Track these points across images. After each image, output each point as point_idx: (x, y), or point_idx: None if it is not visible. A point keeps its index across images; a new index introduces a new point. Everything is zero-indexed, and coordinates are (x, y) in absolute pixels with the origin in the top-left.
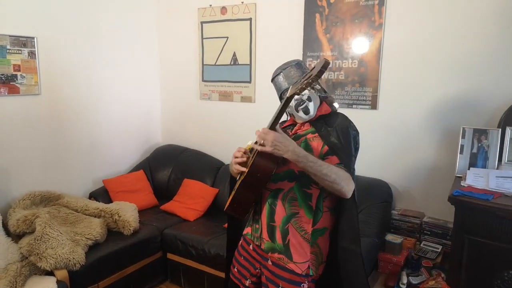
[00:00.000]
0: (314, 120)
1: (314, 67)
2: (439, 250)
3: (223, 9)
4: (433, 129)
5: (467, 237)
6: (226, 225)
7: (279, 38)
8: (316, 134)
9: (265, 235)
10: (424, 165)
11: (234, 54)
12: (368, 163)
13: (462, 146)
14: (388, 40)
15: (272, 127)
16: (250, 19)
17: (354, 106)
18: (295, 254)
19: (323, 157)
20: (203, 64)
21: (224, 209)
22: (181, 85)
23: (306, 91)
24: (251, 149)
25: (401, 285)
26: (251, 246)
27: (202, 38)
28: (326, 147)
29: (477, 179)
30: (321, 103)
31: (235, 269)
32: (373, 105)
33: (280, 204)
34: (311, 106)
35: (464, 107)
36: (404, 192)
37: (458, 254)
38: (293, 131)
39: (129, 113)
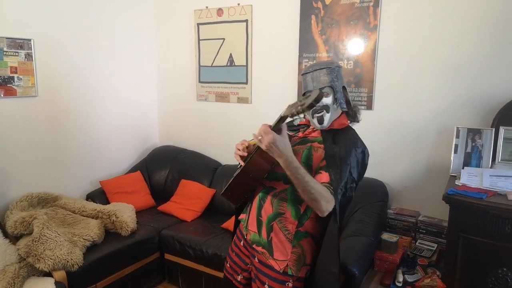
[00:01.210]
0: (325, 130)
1: (310, 95)
2: (434, 249)
3: (219, 11)
4: (428, 129)
5: (462, 235)
6: (223, 225)
7: (275, 39)
8: (322, 146)
9: (251, 226)
10: (419, 164)
11: (231, 56)
12: None
13: (456, 146)
14: (383, 42)
15: (276, 127)
16: (246, 21)
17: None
18: (276, 251)
19: (318, 169)
20: (199, 66)
21: (221, 193)
22: (178, 86)
23: (326, 100)
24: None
25: (397, 283)
26: (242, 243)
27: (199, 40)
28: (324, 162)
29: (471, 178)
30: (341, 114)
31: (228, 265)
32: (369, 106)
33: (269, 201)
34: (327, 118)
35: (458, 107)
36: (400, 192)
37: (453, 252)
38: (304, 133)
39: (126, 114)
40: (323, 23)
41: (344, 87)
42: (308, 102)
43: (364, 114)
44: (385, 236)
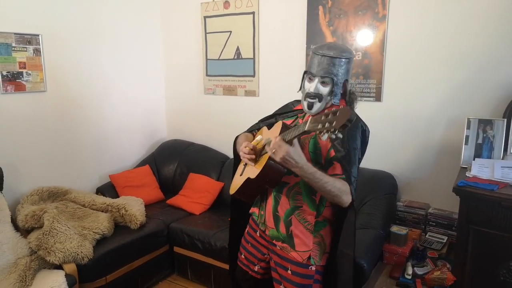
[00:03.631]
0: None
1: (337, 113)
2: (444, 241)
3: (226, 3)
4: (437, 120)
5: (472, 227)
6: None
7: (282, 31)
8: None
9: (269, 223)
10: (429, 156)
11: (238, 48)
12: (373, 155)
13: (467, 137)
14: (392, 32)
15: (289, 141)
16: (253, 13)
17: (358, 98)
18: (297, 243)
19: (328, 159)
20: (206, 59)
21: (231, 194)
22: (186, 80)
23: (323, 89)
24: (262, 147)
25: (406, 276)
26: (257, 233)
27: (206, 33)
28: (332, 151)
29: (482, 170)
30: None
31: (242, 256)
32: (378, 97)
33: (285, 197)
34: (316, 106)
35: (469, 98)
36: (409, 184)
37: (463, 245)
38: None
39: (134, 108)
40: (330, 13)
41: (346, 80)
42: (340, 122)
43: (373, 106)
44: (394, 228)
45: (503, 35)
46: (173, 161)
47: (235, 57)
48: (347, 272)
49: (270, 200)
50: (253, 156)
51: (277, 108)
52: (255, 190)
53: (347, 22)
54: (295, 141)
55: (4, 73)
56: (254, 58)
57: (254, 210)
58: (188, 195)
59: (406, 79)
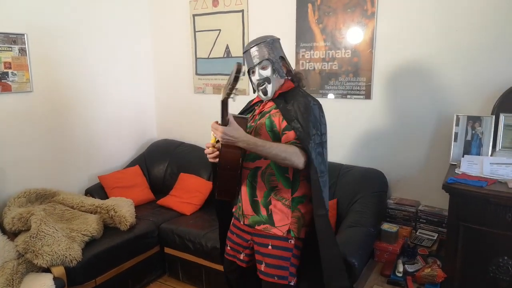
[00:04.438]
0: (275, 98)
1: (231, 72)
2: (435, 238)
3: (215, 1)
4: (427, 118)
5: (462, 224)
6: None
7: (271, 29)
8: (277, 110)
9: (247, 211)
10: (419, 153)
11: (227, 47)
12: (363, 152)
13: (456, 134)
14: (381, 29)
15: (223, 122)
16: (242, 11)
17: (348, 96)
18: (276, 219)
19: (282, 131)
20: (196, 58)
21: (215, 197)
22: (175, 79)
23: (266, 72)
24: (217, 141)
25: (397, 274)
26: (241, 221)
27: (195, 31)
28: (284, 122)
29: (471, 166)
30: (285, 81)
31: (228, 247)
32: (367, 95)
33: (260, 180)
34: (269, 88)
35: (458, 95)
36: (399, 181)
37: (453, 242)
38: (260, 109)
39: (123, 108)
40: (319, 11)
41: (281, 57)
42: (232, 77)
43: (363, 104)
44: (385, 226)
45: (491, 32)
46: (163, 161)
47: (225, 55)
48: (325, 231)
49: (245, 190)
50: (217, 152)
51: None
52: (228, 183)
53: (336, 19)
54: (230, 120)
55: None
56: (243, 57)
57: (235, 208)
58: (179, 195)
59: (395, 76)
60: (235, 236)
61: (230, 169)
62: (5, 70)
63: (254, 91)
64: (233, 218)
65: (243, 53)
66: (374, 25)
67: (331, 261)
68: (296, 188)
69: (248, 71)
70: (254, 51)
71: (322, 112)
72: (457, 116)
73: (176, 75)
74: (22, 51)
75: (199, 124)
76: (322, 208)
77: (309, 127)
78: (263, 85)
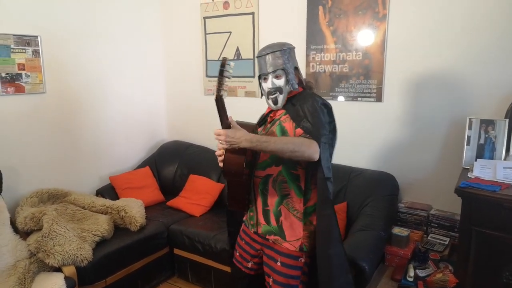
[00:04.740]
0: (284, 104)
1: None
2: (446, 243)
3: (226, 4)
4: (439, 121)
5: (475, 229)
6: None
7: (282, 31)
8: (287, 115)
9: (261, 219)
10: (431, 157)
11: (238, 49)
12: (374, 156)
13: (469, 138)
14: (393, 31)
15: (223, 125)
16: (253, 13)
17: (359, 99)
18: (288, 233)
19: (294, 130)
20: (206, 60)
21: (227, 208)
22: (186, 81)
23: (279, 82)
24: None
25: (408, 278)
26: (252, 230)
27: (205, 34)
28: (294, 124)
29: (484, 171)
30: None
31: (237, 253)
32: (378, 98)
33: (271, 188)
34: (280, 98)
35: (471, 98)
36: (411, 185)
37: (465, 247)
38: (271, 118)
39: (134, 110)
40: (330, 13)
41: (296, 68)
42: (218, 72)
43: (373, 107)
44: (396, 230)
45: (505, 34)
46: (173, 163)
47: (235, 57)
48: (328, 231)
49: (259, 198)
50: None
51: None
52: (236, 191)
53: (347, 22)
54: (233, 123)
55: (3, 74)
56: (254, 59)
57: (245, 217)
58: (188, 196)
59: (406, 79)
60: (243, 243)
61: (234, 175)
62: (19, 72)
63: (261, 96)
64: (243, 225)
65: (257, 57)
66: (386, 28)
67: (332, 259)
68: (308, 197)
69: (259, 76)
70: (269, 58)
71: (331, 115)
72: (470, 119)
73: (187, 77)
74: (36, 53)
75: (209, 126)
76: (328, 207)
77: (319, 124)
78: (274, 94)
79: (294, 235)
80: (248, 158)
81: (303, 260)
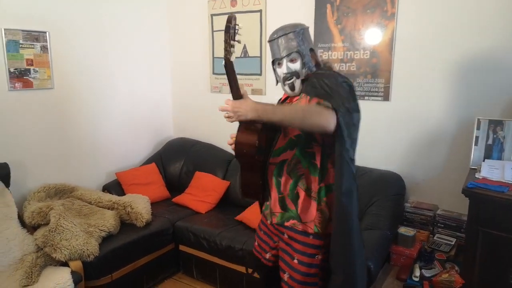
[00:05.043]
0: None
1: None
2: (453, 243)
3: (233, 1)
4: (447, 121)
5: (482, 229)
6: (237, 217)
7: None
8: (303, 95)
9: (275, 208)
10: (438, 157)
11: (245, 47)
12: (381, 155)
13: (477, 138)
14: (401, 30)
15: (234, 96)
16: (260, 11)
17: (366, 97)
18: (303, 215)
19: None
20: (213, 57)
21: (242, 196)
22: (192, 79)
23: (295, 66)
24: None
25: (414, 278)
26: (268, 221)
27: (212, 31)
28: (314, 99)
29: (492, 171)
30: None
31: (256, 243)
32: (386, 97)
33: (285, 173)
34: (297, 83)
35: (479, 98)
36: (417, 185)
37: (472, 247)
38: (288, 103)
39: (141, 106)
40: (338, 12)
41: (311, 49)
42: (224, 29)
43: (381, 106)
44: (402, 230)
45: None
46: (179, 159)
47: (242, 55)
48: (345, 215)
49: (273, 187)
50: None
51: None
52: (250, 176)
53: (355, 20)
54: (245, 94)
55: (12, 70)
56: (261, 57)
57: (267, 203)
58: (194, 193)
59: (414, 78)
60: (262, 233)
61: (246, 155)
62: (27, 67)
63: (277, 83)
64: (261, 216)
65: (269, 41)
66: (394, 26)
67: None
68: (324, 176)
69: (273, 62)
70: (282, 41)
71: (354, 94)
72: (478, 119)
73: (193, 74)
74: (44, 49)
75: (215, 123)
76: (349, 184)
77: (337, 93)
78: (290, 79)
79: (308, 215)
80: (262, 141)
81: (320, 257)
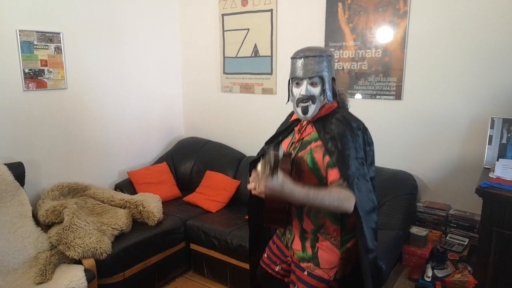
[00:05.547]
0: (314, 121)
1: (267, 159)
2: (465, 243)
3: (244, 1)
4: (460, 119)
5: (495, 230)
6: (247, 216)
7: (300, 28)
8: (319, 142)
9: (296, 246)
10: (451, 156)
11: (255, 46)
12: (393, 154)
13: (490, 137)
14: (414, 29)
15: (270, 173)
16: (271, 10)
17: (377, 96)
18: (322, 261)
19: (326, 167)
20: (224, 57)
21: (265, 225)
22: (203, 78)
23: (314, 90)
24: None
25: (426, 278)
26: (290, 252)
27: (223, 31)
28: (327, 157)
29: (506, 171)
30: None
31: (265, 255)
32: (398, 96)
33: (306, 217)
34: (311, 109)
35: (493, 96)
36: (430, 184)
37: (485, 247)
38: (300, 135)
39: (152, 106)
40: (350, 10)
41: (333, 78)
42: (272, 169)
43: (393, 105)
44: (414, 230)
45: None
46: (190, 159)
47: (253, 54)
48: (367, 272)
49: (296, 224)
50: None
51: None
52: (276, 215)
53: (367, 19)
54: (276, 171)
55: (27, 70)
56: (271, 56)
57: (288, 235)
58: (205, 192)
59: (427, 77)
60: (275, 247)
61: (276, 211)
62: (42, 68)
63: (288, 101)
64: (277, 231)
65: (293, 58)
66: (407, 25)
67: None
68: (345, 225)
69: (291, 80)
70: (308, 62)
71: (368, 134)
72: (492, 118)
73: (204, 74)
74: (58, 49)
75: (226, 123)
76: (368, 246)
77: (349, 161)
78: (306, 102)
79: (329, 262)
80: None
81: (331, 284)
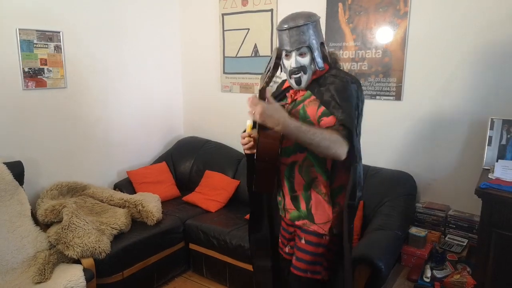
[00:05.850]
0: (309, 84)
1: (271, 57)
2: (464, 244)
3: (244, 1)
4: (459, 120)
5: (495, 230)
6: (247, 216)
7: None
8: (312, 98)
9: (289, 205)
10: (450, 157)
11: (255, 46)
12: (392, 155)
13: (490, 138)
14: (414, 29)
15: (261, 96)
16: (272, 10)
17: (377, 97)
18: (316, 216)
19: (318, 119)
20: (224, 56)
21: (253, 190)
22: (203, 78)
23: (303, 60)
24: (254, 126)
25: (424, 279)
26: (281, 215)
27: (223, 30)
28: (321, 108)
29: (505, 172)
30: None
31: (280, 240)
32: (398, 96)
33: (298, 175)
34: (304, 78)
35: (493, 97)
36: (429, 185)
37: (484, 248)
38: (292, 98)
39: (152, 105)
40: (350, 11)
41: (322, 43)
42: (272, 64)
43: (392, 105)
44: (413, 230)
45: None
46: (190, 158)
47: (253, 54)
48: (348, 223)
49: (285, 184)
50: (252, 142)
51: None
52: (267, 175)
53: (367, 19)
54: (269, 98)
55: (26, 69)
56: (271, 56)
57: (279, 198)
58: (204, 192)
59: (427, 77)
60: (282, 229)
61: (268, 161)
62: (41, 67)
63: (280, 72)
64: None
65: (279, 30)
66: (407, 25)
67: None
68: (333, 179)
69: (280, 51)
70: (293, 33)
71: (361, 90)
72: (492, 119)
73: (204, 73)
74: (57, 48)
75: (226, 122)
76: (353, 197)
77: (351, 108)
78: (297, 74)
79: (323, 218)
80: (281, 142)
81: (328, 237)
